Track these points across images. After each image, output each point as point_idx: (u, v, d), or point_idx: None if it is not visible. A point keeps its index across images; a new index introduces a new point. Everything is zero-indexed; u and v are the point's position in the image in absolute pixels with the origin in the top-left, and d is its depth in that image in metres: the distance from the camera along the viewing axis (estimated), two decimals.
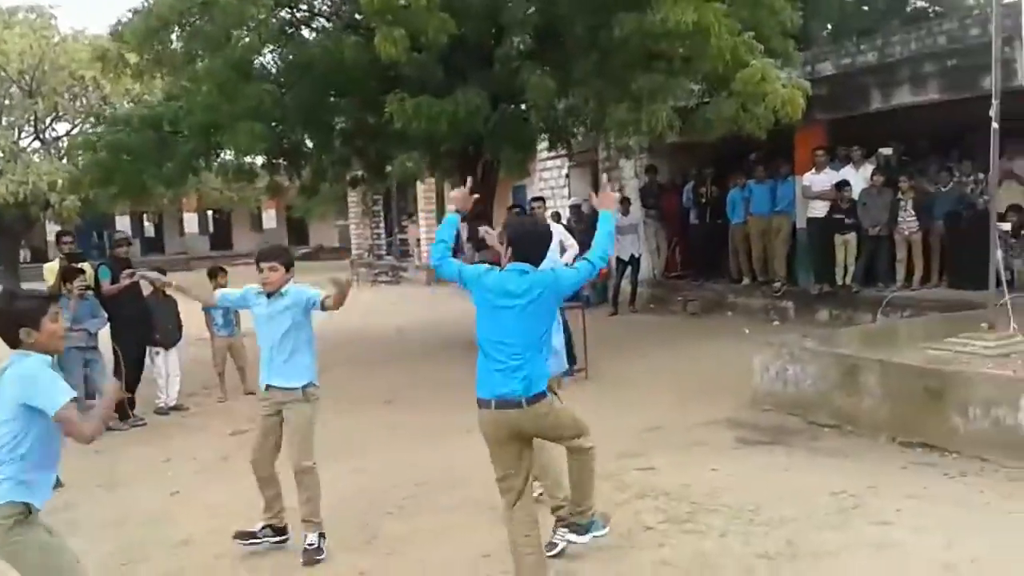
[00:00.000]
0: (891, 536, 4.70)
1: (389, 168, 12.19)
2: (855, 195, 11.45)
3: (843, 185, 11.47)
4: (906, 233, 11.11)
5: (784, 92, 8.71)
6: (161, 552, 5.17)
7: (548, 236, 4.41)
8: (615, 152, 15.02)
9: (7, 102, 28.52)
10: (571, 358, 9.44)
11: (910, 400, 6.37)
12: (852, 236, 11.50)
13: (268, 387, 5.00)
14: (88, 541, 5.42)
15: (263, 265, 4.97)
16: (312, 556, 4.84)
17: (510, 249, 4.19)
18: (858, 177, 11.62)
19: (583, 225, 16.14)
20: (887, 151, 12.73)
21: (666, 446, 6.68)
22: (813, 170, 11.94)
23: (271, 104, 9.72)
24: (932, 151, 12.05)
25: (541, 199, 10.84)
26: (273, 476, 5.06)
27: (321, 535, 4.94)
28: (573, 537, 4.47)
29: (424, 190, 23.84)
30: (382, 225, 29.48)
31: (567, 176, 18.46)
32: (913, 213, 11.01)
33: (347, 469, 6.44)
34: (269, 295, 4.99)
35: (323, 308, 4.92)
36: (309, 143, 12.00)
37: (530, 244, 4.23)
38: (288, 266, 5.03)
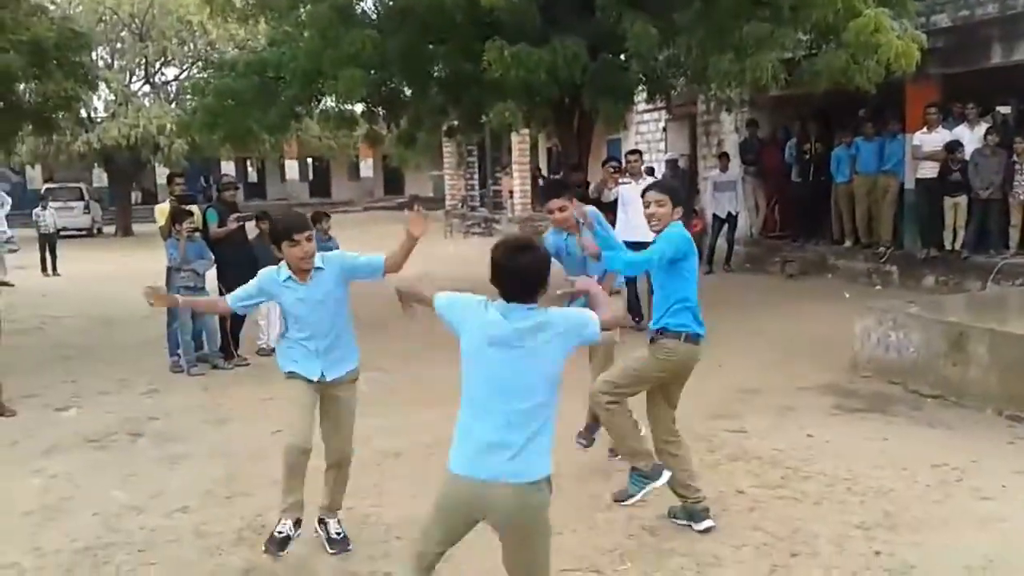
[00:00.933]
0: (996, 511, 4.55)
1: (485, 118, 12.20)
2: (967, 156, 10.90)
3: (955, 146, 10.92)
4: (1021, 197, 10.54)
5: (898, 44, 8.30)
6: (262, 487, 5.36)
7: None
8: (715, 105, 14.64)
9: (119, 46, 29.52)
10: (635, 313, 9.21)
11: (1020, 372, 6.10)
12: (963, 199, 10.97)
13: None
14: (194, 472, 5.71)
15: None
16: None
17: None
18: (972, 137, 11.03)
19: (678, 181, 15.90)
20: (1005, 110, 12.06)
21: (760, 409, 6.57)
22: (925, 128, 11.39)
23: (372, 50, 9.76)
24: None
25: (638, 152, 10.64)
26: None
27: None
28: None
29: (518, 141, 23.75)
30: (476, 176, 29.57)
31: (664, 130, 18.11)
32: None
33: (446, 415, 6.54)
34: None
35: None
36: (407, 91, 12.05)
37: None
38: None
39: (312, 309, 4.31)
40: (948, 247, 11.26)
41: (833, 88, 9.63)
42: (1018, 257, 10.56)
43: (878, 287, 11.74)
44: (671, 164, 16.78)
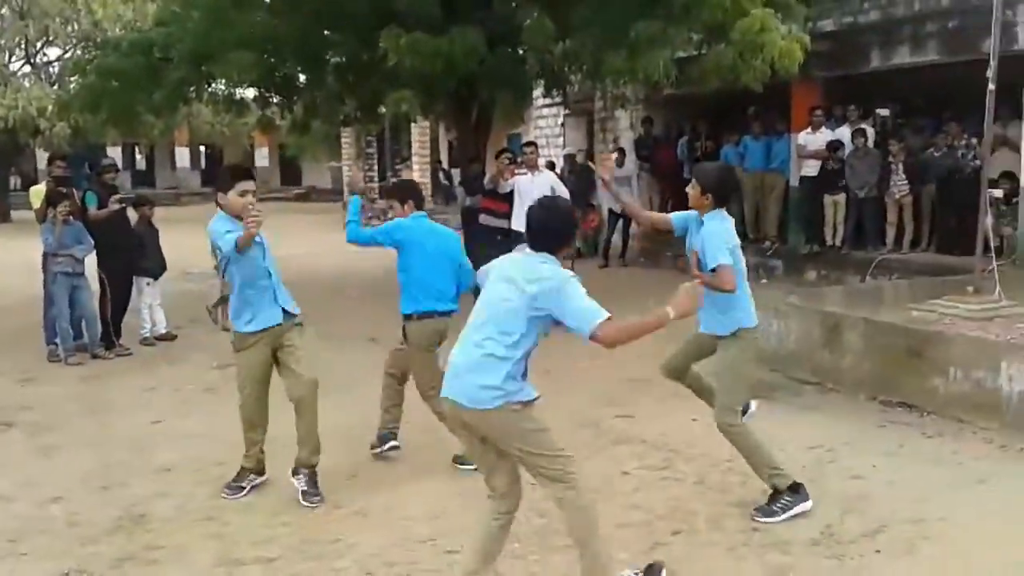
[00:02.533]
0: (864, 489, 4.76)
1: (382, 108, 12.08)
2: (846, 154, 11.41)
3: (836, 145, 11.41)
4: (897, 196, 11.08)
5: (782, 44, 8.62)
6: (141, 478, 5.19)
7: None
8: (611, 102, 14.88)
9: None
10: None
11: (891, 359, 6.41)
12: (842, 197, 11.50)
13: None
14: (68, 463, 5.48)
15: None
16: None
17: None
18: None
19: (575, 176, 16.09)
20: (884, 112, 12.66)
21: (648, 396, 6.71)
22: (809, 129, 11.87)
23: (263, 34, 9.57)
24: (927, 114, 11.97)
25: (533, 144, 10.72)
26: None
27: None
28: None
29: (418, 133, 23.65)
30: (375, 168, 29.23)
31: (562, 125, 18.31)
32: (904, 176, 10.96)
33: (330, 404, 6.45)
34: None
35: None
36: (301, 77, 11.84)
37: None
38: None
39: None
40: (829, 243, 11.76)
41: (723, 87, 9.92)
42: (894, 253, 11.09)
43: (764, 281, 12.15)
44: (569, 158, 16.96)
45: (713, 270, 4.37)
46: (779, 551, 4.06)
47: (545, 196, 3.81)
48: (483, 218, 10.07)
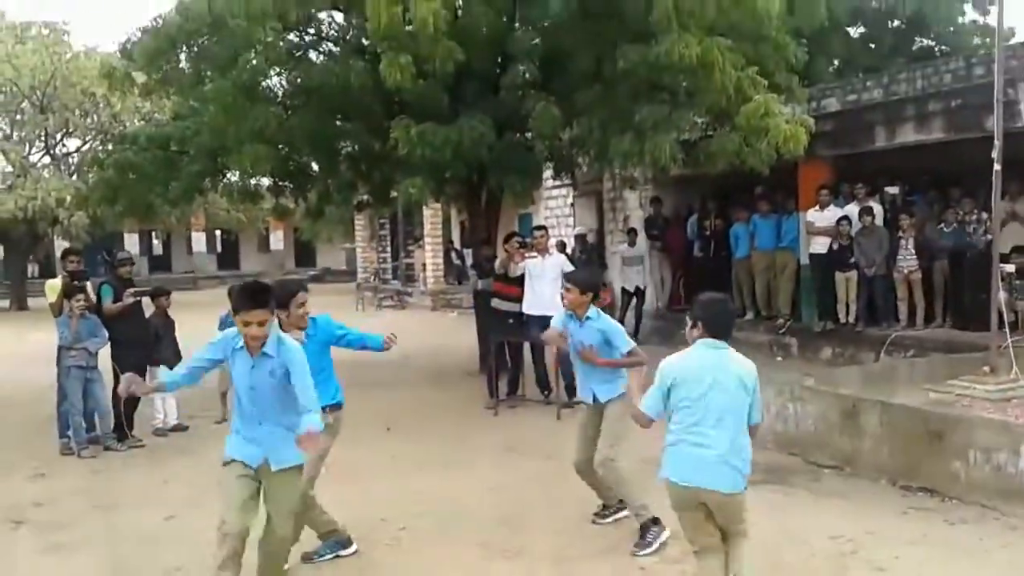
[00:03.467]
0: None
1: (394, 193, 12.25)
2: (854, 232, 11.44)
3: (844, 222, 11.45)
4: (905, 272, 11.07)
5: (787, 128, 8.72)
6: (152, 573, 5.11)
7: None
8: (619, 183, 15.06)
9: (18, 117, 28.78)
10: (571, 389, 9.42)
11: (911, 443, 6.31)
12: (853, 274, 11.48)
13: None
14: (77, 562, 5.41)
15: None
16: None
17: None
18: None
19: (586, 255, 16.20)
20: (893, 190, 12.72)
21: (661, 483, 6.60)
22: (817, 207, 11.94)
23: (277, 127, 9.76)
24: (935, 190, 12.04)
25: (543, 228, 10.83)
26: None
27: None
28: None
29: (430, 215, 23.91)
30: (388, 249, 29.54)
31: (572, 205, 18.50)
32: (913, 251, 10.97)
33: (350, 492, 6.41)
34: None
35: None
36: (315, 166, 12.05)
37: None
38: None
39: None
40: (843, 320, 11.71)
41: (730, 168, 10.02)
42: (908, 330, 11.02)
43: (779, 358, 12.07)
44: (580, 238, 17.10)
45: (628, 352, 5.49)
46: None
47: (710, 295, 4.41)
48: (495, 303, 10.11)
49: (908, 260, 10.99)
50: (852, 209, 11.69)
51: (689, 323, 4.21)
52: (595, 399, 5.60)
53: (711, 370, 4.01)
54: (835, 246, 11.56)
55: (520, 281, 9.79)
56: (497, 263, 10.24)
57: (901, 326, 11.12)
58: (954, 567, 4.84)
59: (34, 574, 5.28)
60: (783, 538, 5.36)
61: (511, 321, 9.90)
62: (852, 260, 11.41)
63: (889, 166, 12.32)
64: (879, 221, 11.41)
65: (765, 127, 8.58)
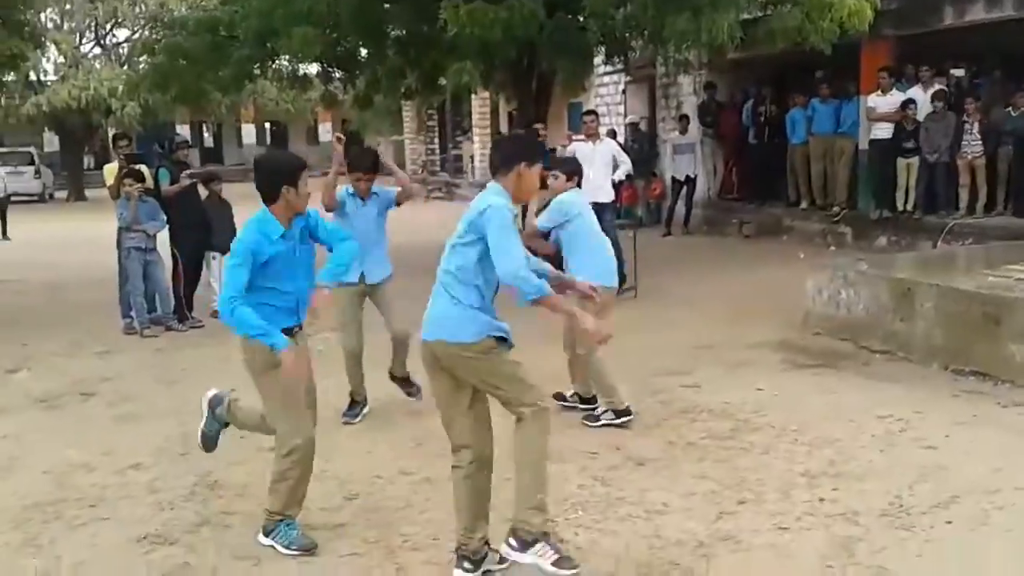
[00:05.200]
0: (937, 460, 4.66)
1: (443, 80, 12.08)
2: (921, 116, 11.04)
3: (909, 103, 11.04)
4: (969, 158, 10.71)
5: (851, 2, 8.36)
6: (220, 443, 5.33)
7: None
8: (673, 67, 14.62)
9: (68, 7, 28.73)
10: (621, 277, 9.43)
11: (965, 326, 6.23)
12: (915, 160, 11.14)
13: (361, 278, 5.58)
14: (146, 431, 5.67)
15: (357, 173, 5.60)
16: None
17: None
18: (926, 98, 11.16)
19: (638, 144, 15.93)
20: (959, 72, 12.20)
21: (713, 365, 6.67)
22: (879, 91, 11.51)
23: (324, 9, 9.62)
24: (1004, 72, 11.51)
25: (594, 112, 10.61)
26: None
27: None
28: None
29: (478, 105, 23.61)
30: (436, 141, 29.35)
31: (623, 93, 18.07)
32: (979, 137, 10.58)
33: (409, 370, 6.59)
34: (362, 198, 5.65)
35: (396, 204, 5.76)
36: (363, 51, 11.90)
37: None
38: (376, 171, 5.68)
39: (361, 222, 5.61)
40: (900, 208, 11.44)
41: (789, 50, 9.68)
42: (967, 218, 10.75)
43: (832, 248, 11.90)
44: (632, 127, 16.80)
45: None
46: (847, 521, 4.00)
47: None
48: None
49: (973, 145, 10.63)
50: (917, 92, 11.25)
51: None
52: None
53: None
54: (899, 131, 11.19)
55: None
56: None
57: (961, 214, 10.85)
58: (1004, 446, 4.84)
59: (107, 440, 5.54)
60: (833, 416, 5.39)
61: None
62: (915, 146, 11.06)
63: (954, 48, 11.78)
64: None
65: (829, 2, 8.24)
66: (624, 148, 12.43)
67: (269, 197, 3.90)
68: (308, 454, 3.96)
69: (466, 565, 3.54)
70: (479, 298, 3.49)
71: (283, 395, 3.94)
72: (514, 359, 3.53)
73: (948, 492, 4.25)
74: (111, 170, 8.95)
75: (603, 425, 5.38)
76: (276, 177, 3.88)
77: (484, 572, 3.55)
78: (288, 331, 4.00)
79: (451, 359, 3.50)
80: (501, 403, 3.53)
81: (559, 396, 5.70)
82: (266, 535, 3.95)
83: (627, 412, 5.38)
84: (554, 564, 3.39)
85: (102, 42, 29.87)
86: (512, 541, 3.46)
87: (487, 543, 3.59)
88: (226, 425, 4.49)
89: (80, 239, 16.03)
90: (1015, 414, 5.37)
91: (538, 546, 3.41)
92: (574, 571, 3.40)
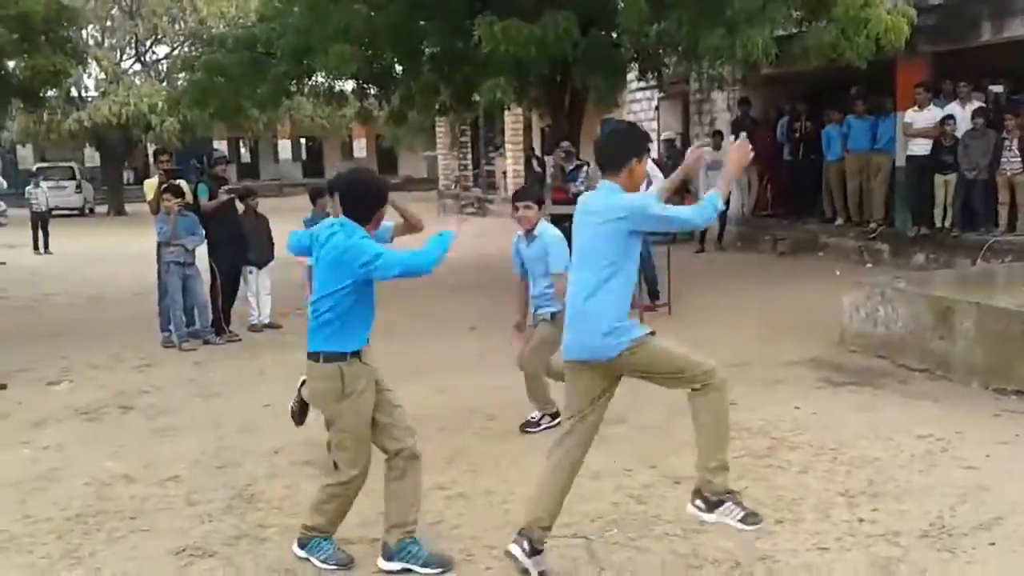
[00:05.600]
0: (979, 480, 4.59)
1: (476, 96, 12.16)
2: (959, 132, 10.92)
3: (947, 119, 10.93)
4: (1008, 174, 10.57)
5: (888, 19, 8.33)
6: (253, 459, 5.39)
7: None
8: (707, 83, 14.61)
9: (109, 23, 29.32)
10: (653, 293, 9.40)
11: (1006, 345, 6.14)
12: (953, 176, 11.01)
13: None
14: (184, 444, 5.73)
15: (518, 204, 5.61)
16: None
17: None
18: (964, 115, 11.04)
19: (672, 161, 15.87)
20: (997, 88, 12.06)
21: (748, 382, 6.60)
22: (916, 107, 11.41)
23: (361, 26, 9.74)
24: None
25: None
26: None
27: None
28: None
29: (511, 121, 23.68)
30: (469, 156, 29.47)
31: (657, 109, 18.07)
32: (1018, 154, 10.44)
33: (441, 385, 6.64)
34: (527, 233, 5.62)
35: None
36: (398, 68, 12.02)
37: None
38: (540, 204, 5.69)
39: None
40: (938, 225, 11.30)
41: (824, 66, 9.65)
42: (1007, 235, 10.60)
43: (868, 265, 11.79)
44: (668, 143, 16.78)
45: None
46: (887, 542, 3.95)
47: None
48: (551, 208, 10.10)
49: (1012, 162, 10.49)
50: (955, 108, 11.14)
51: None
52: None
53: None
54: (937, 147, 11.07)
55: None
56: (549, 171, 10.27)
57: (1000, 231, 10.70)
58: None
59: (146, 452, 5.61)
60: (871, 435, 5.33)
61: (566, 224, 9.75)
62: (953, 162, 10.94)
63: (991, 64, 11.66)
64: None
65: (865, 18, 8.22)
66: (658, 164, 12.41)
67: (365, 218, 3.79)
68: (362, 483, 3.94)
69: (524, 546, 3.58)
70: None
71: (355, 425, 3.84)
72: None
73: (990, 513, 4.18)
74: (151, 185, 9.10)
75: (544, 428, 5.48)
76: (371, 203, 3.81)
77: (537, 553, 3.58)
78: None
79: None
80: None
81: (529, 424, 5.71)
82: (302, 548, 3.97)
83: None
84: (741, 520, 3.56)
85: (142, 59, 30.43)
86: (698, 503, 3.62)
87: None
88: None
89: (120, 253, 16.29)
90: None
91: (724, 506, 3.58)
92: (759, 524, 3.60)
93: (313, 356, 3.79)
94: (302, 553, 3.95)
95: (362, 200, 3.82)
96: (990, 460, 4.88)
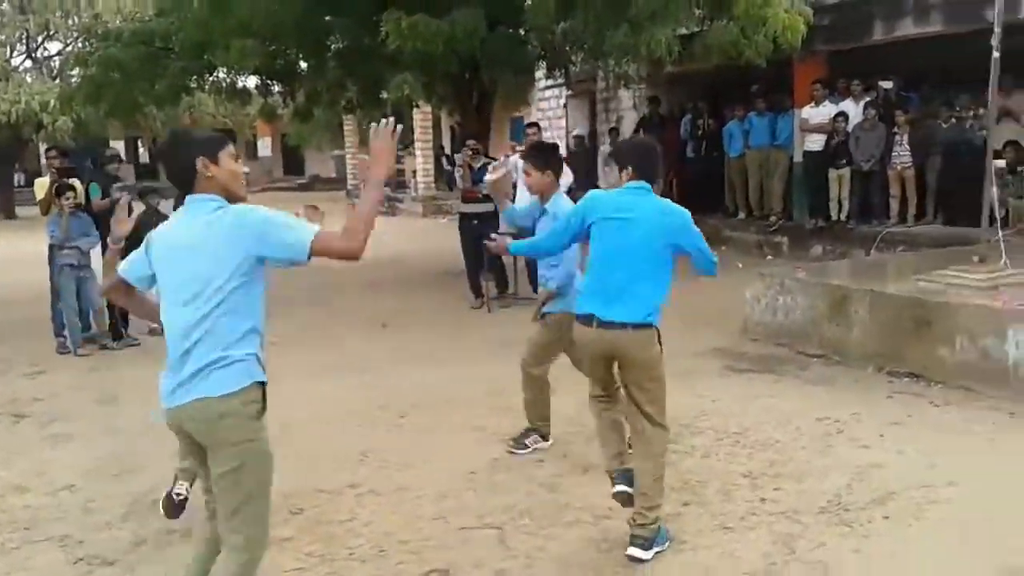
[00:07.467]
0: (873, 459, 4.78)
1: (384, 93, 12.05)
2: (851, 128, 11.35)
3: (840, 116, 11.35)
4: (899, 168, 11.04)
5: (785, 17, 8.59)
6: (153, 465, 5.22)
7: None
8: (613, 82, 14.83)
9: None
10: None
11: (898, 330, 6.42)
12: (846, 171, 11.46)
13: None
14: (80, 451, 5.52)
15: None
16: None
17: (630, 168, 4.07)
18: (857, 111, 11.50)
19: (581, 153, 16.12)
20: (887, 84, 12.57)
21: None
22: (812, 103, 11.82)
23: (263, 20, 9.53)
24: (931, 86, 11.90)
25: (535, 124, 10.71)
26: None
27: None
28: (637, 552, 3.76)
29: (420, 119, 23.54)
30: None
31: (565, 107, 18.25)
32: (908, 148, 10.91)
33: (352, 382, 6.56)
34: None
35: None
36: (303, 64, 11.82)
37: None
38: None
39: None
40: (834, 218, 11.73)
41: (725, 65, 9.88)
42: (899, 226, 11.06)
43: (769, 257, 12.13)
44: (578, 139, 16.96)
45: None
46: (788, 520, 4.08)
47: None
48: (461, 207, 10.11)
49: (902, 156, 10.95)
50: (848, 105, 11.57)
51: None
52: None
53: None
54: (830, 143, 11.49)
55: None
56: (458, 172, 10.27)
57: (892, 223, 11.16)
58: (937, 443, 4.98)
59: (40, 462, 5.38)
60: (772, 419, 5.49)
61: (475, 222, 9.78)
62: (846, 157, 11.37)
63: (885, 63, 12.16)
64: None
65: (763, 17, 8.45)
66: (566, 160, 12.53)
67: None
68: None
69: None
70: None
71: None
72: None
73: (884, 489, 4.36)
74: (42, 184, 8.73)
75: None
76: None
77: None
78: None
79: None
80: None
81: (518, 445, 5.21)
82: None
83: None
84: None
85: (33, 55, 29.18)
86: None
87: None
88: None
89: (9, 257, 15.58)
90: (947, 413, 5.54)
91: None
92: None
93: None
94: None
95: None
96: (884, 440, 5.08)
